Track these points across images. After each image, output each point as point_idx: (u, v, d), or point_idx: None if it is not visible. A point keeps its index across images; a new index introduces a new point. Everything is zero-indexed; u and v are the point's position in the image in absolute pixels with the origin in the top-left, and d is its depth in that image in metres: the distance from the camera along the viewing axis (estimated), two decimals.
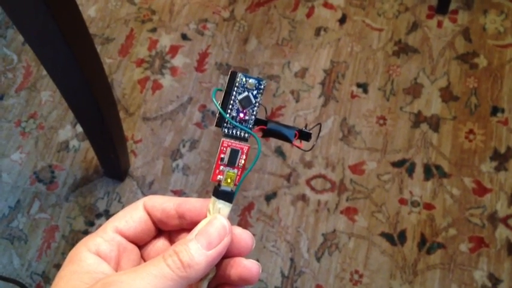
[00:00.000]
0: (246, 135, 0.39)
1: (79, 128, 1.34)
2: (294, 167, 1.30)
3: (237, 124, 0.38)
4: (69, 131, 1.35)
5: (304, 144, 0.40)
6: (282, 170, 1.30)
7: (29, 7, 0.75)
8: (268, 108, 1.37)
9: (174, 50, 1.45)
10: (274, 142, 1.33)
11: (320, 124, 0.48)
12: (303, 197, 1.28)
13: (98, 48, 1.45)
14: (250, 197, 1.28)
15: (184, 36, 1.47)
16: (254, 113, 0.39)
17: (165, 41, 1.46)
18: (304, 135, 0.40)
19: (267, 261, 1.22)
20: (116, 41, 1.47)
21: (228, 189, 0.39)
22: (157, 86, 1.40)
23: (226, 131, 0.38)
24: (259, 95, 0.38)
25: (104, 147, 1.18)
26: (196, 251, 0.34)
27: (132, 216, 0.38)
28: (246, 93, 0.38)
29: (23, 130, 1.36)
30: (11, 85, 1.41)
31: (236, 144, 0.39)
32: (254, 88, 0.38)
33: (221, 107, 0.38)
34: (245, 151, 0.39)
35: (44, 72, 1.40)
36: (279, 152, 1.32)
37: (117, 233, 0.37)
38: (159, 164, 1.31)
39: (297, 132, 0.39)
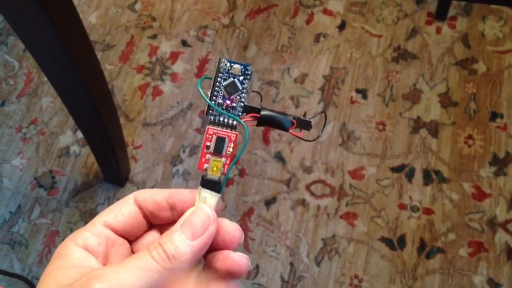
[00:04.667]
0: (234, 122, 0.37)
1: (80, 134, 1.35)
2: (294, 172, 1.31)
3: (223, 111, 0.37)
4: (70, 137, 1.36)
5: (306, 134, 0.38)
6: (281, 175, 1.31)
7: (29, 15, 0.76)
8: None
9: (174, 56, 1.46)
10: (274, 147, 1.33)
11: (325, 113, 0.46)
12: (303, 202, 1.28)
13: (99, 54, 1.46)
14: (250, 202, 1.28)
15: (184, 43, 1.48)
16: (242, 99, 0.37)
17: (166, 47, 1.47)
18: (303, 124, 0.37)
19: (267, 266, 1.22)
20: (117, 47, 1.47)
21: (215, 178, 0.37)
22: (157, 92, 1.41)
23: (212, 118, 0.37)
24: (246, 80, 0.37)
25: (105, 153, 1.19)
26: (180, 241, 0.34)
27: (122, 210, 0.38)
28: (231, 79, 0.37)
29: (24, 136, 1.36)
30: (12, 91, 1.42)
31: (223, 131, 0.37)
32: (240, 74, 0.37)
33: (209, 95, 0.37)
34: (233, 139, 0.37)
35: (45, 79, 1.41)
36: (279, 157, 1.32)
37: (106, 227, 0.37)
38: (159, 170, 1.32)
39: (294, 120, 0.37)
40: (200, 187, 0.37)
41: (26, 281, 1.05)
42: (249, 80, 0.37)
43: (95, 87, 0.96)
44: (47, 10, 0.73)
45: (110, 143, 1.12)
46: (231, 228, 0.37)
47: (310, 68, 1.43)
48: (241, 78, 0.37)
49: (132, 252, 0.39)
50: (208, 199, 0.37)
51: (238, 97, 0.37)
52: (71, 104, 1.05)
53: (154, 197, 0.38)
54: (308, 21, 1.50)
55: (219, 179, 0.37)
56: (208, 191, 0.37)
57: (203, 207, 0.36)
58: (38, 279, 1.21)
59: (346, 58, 1.44)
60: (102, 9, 1.53)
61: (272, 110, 0.38)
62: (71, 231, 1.26)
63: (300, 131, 0.38)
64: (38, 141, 1.36)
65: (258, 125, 0.38)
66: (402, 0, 1.52)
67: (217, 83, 0.37)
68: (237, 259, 0.36)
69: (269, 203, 1.28)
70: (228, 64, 0.37)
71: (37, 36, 0.83)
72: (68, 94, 1.01)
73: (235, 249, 0.37)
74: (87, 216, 1.28)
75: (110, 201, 1.29)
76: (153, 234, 0.40)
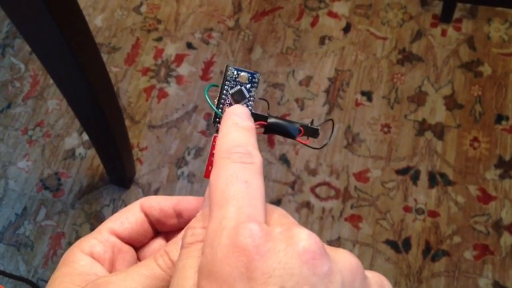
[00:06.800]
0: None
1: (85, 136, 1.36)
2: (299, 175, 1.31)
3: None
4: (76, 139, 1.37)
5: (313, 142, 0.38)
6: (286, 177, 1.31)
7: (35, 17, 0.77)
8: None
9: (179, 58, 1.46)
10: (278, 150, 1.33)
11: (332, 120, 0.44)
12: (308, 205, 1.28)
13: (104, 57, 1.46)
14: None
15: (189, 45, 1.48)
16: (249, 107, 0.37)
17: (171, 49, 1.47)
18: (311, 132, 0.37)
19: None
20: (122, 50, 1.48)
21: None
22: (162, 95, 1.41)
23: (219, 126, 0.37)
24: (253, 88, 0.37)
25: (110, 155, 1.19)
26: None
27: (128, 217, 0.38)
28: (238, 87, 0.37)
29: (30, 138, 1.37)
30: (18, 94, 1.43)
31: None
32: (247, 82, 0.37)
33: (216, 103, 0.37)
34: None
35: (51, 81, 1.42)
36: (284, 160, 1.32)
37: (112, 234, 0.37)
38: (165, 172, 1.32)
39: (301, 128, 0.37)
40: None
41: (31, 284, 1.05)
42: (256, 88, 0.37)
43: (101, 90, 0.97)
44: (52, 13, 0.73)
45: (115, 145, 1.12)
46: None
47: (315, 71, 1.43)
48: (248, 86, 0.37)
49: (138, 259, 0.39)
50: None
51: (245, 105, 0.37)
52: (76, 107, 1.05)
53: (160, 204, 0.38)
54: (313, 24, 1.50)
55: None
56: None
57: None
58: (43, 280, 1.22)
59: (351, 60, 1.44)
60: (107, 12, 1.54)
61: (279, 118, 0.37)
62: (77, 233, 1.26)
63: (308, 138, 0.38)
64: (44, 144, 1.36)
65: (265, 132, 0.38)
66: (407, 2, 1.52)
67: (224, 91, 0.37)
68: None
69: (274, 205, 1.28)
70: (235, 72, 0.37)
71: (43, 39, 0.83)
72: (73, 96, 1.01)
73: None
74: (93, 218, 1.28)
75: (115, 203, 1.29)
76: (159, 242, 0.39)
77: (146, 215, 0.38)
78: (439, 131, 1.35)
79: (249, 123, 0.34)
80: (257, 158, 0.31)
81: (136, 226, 0.38)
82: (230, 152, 0.31)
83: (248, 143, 0.32)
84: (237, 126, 0.33)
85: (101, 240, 0.36)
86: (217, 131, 0.37)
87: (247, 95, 0.37)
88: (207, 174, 0.37)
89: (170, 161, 1.34)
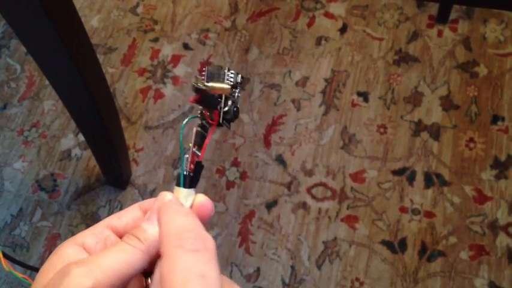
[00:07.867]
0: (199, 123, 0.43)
1: (81, 137, 1.35)
2: (295, 175, 1.31)
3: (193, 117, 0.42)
4: (72, 140, 1.37)
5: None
6: (282, 178, 1.31)
7: (31, 18, 0.76)
8: (269, 116, 1.38)
9: (175, 59, 1.46)
10: (275, 150, 1.34)
11: (242, 76, 0.45)
12: (304, 205, 1.28)
13: (101, 57, 1.46)
14: (251, 205, 1.28)
15: (186, 46, 1.48)
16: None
17: (167, 50, 1.47)
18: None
19: (268, 269, 1.22)
20: (119, 50, 1.48)
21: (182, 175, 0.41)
22: (159, 95, 1.41)
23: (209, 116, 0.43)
24: (203, 77, 0.41)
25: (106, 155, 1.19)
26: (148, 226, 0.36)
27: (126, 215, 0.39)
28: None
29: (26, 139, 1.37)
30: (14, 94, 1.42)
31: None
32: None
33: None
34: (193, 138, 0.43)
35: (47, 82, 1.42)
36: (280, 160, 1.33)
37: (108, 228, 0.38)
38: (161, 173, 1.32)
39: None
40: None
41: None
42: (206, 75, 0.40)
43: (97, 90, 0.97)
44: (48, 14, 0.73)
45: (111, 146, 1.12)
46: (203, 201, 0.39)
47: (312, 71, 1.43)
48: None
49: None
50: (175, 190, 0.39)
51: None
52: (72, 107, 1.05)
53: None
54: (309, 24, 1.50)
55: (184, 174, 0.40)
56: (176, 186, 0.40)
57: (162, 194, 0.38)
58: None
59: (347, 61, 1.45)
60: (104, 13, 1.54)
61: (212, 95, 0.40)
62: (72, 234, 1.26)
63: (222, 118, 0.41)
64: (40, 144, 1.36)
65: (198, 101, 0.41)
66: (404, 3, 1.52)
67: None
68: (204, 203, 0.38)
69: (270, 206, 1.28)
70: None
71: (39, 40, 0.83)
72: (69, 97, 1.01)
73: (207, 221, 0.39)
74: (89, 219, 1.28)
75: (111, 204, 1.29)
76: None
77: (145, 213, 0.39)
78: (435, 132, 1.35)
79: (187, 208, 0.37)
80: (210, 242, 0.32)
81: (132, 222, 0.39)
82: (181, 238, 0.32)
83: (197, 226, 0.33)
84: (178, 212, 0.35)
85: (95, 232, 0.38)
86: (198, 126, 0.42)
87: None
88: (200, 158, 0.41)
89: (166, 161, 1.34)
